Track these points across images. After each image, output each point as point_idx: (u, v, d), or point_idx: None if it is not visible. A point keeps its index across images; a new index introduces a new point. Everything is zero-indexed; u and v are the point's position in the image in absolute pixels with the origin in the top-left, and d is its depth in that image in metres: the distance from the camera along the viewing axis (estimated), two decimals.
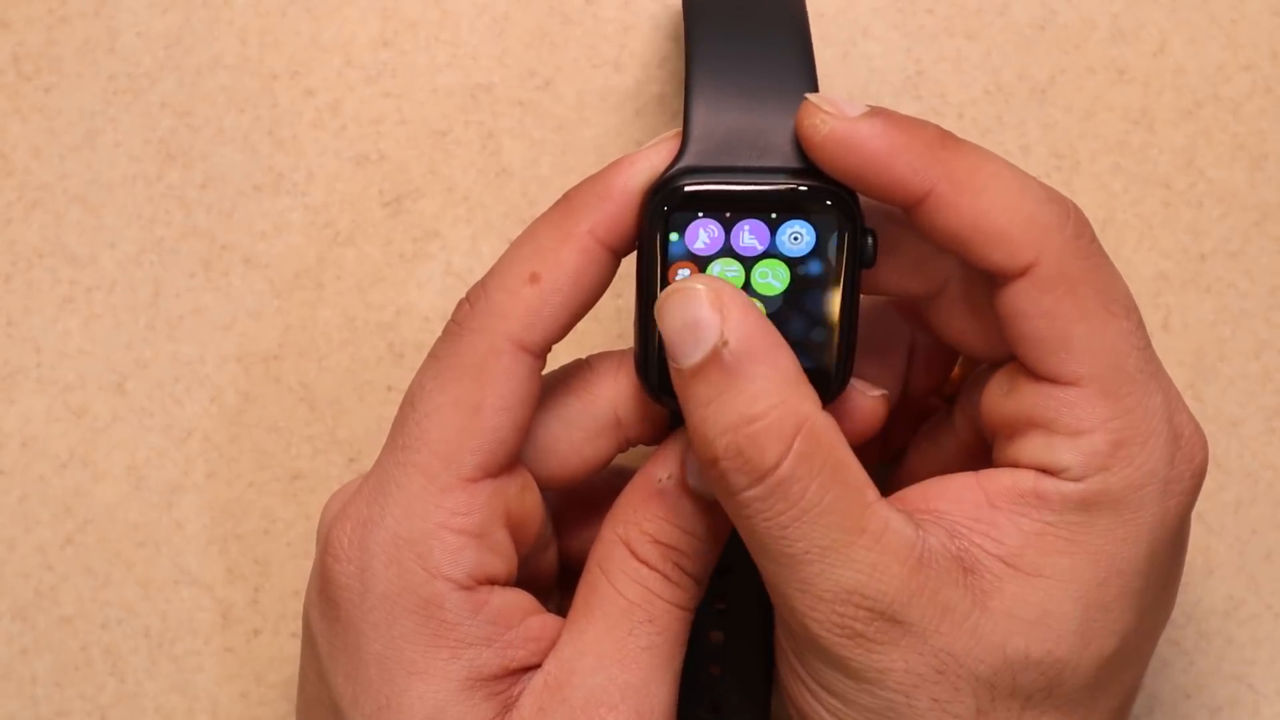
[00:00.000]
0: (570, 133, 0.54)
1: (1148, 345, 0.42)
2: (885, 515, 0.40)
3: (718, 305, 0.40)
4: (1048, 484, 0.41)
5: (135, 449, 0.54)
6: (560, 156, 0.54)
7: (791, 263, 0.41)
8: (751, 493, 0.40)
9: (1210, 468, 0.48)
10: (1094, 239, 0.41)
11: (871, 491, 0.41)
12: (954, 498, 0.42)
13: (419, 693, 0.41)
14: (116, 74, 0.54)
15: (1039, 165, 0.53)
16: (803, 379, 0.41)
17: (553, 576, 0.48)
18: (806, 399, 0.40)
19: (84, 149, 0.54)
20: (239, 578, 0.54)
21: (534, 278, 0.42)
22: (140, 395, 0.54)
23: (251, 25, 0.54)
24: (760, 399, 0.40)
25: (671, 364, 0.41)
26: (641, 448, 0.45)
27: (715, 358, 0.40)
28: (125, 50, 0.54)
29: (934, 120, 0.52)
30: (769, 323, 0.41)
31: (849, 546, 0.40)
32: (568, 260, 0.42)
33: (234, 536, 0.54)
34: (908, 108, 0.53)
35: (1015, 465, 0.43)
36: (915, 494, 0.43)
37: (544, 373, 0.43)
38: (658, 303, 0.41)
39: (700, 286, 0.41)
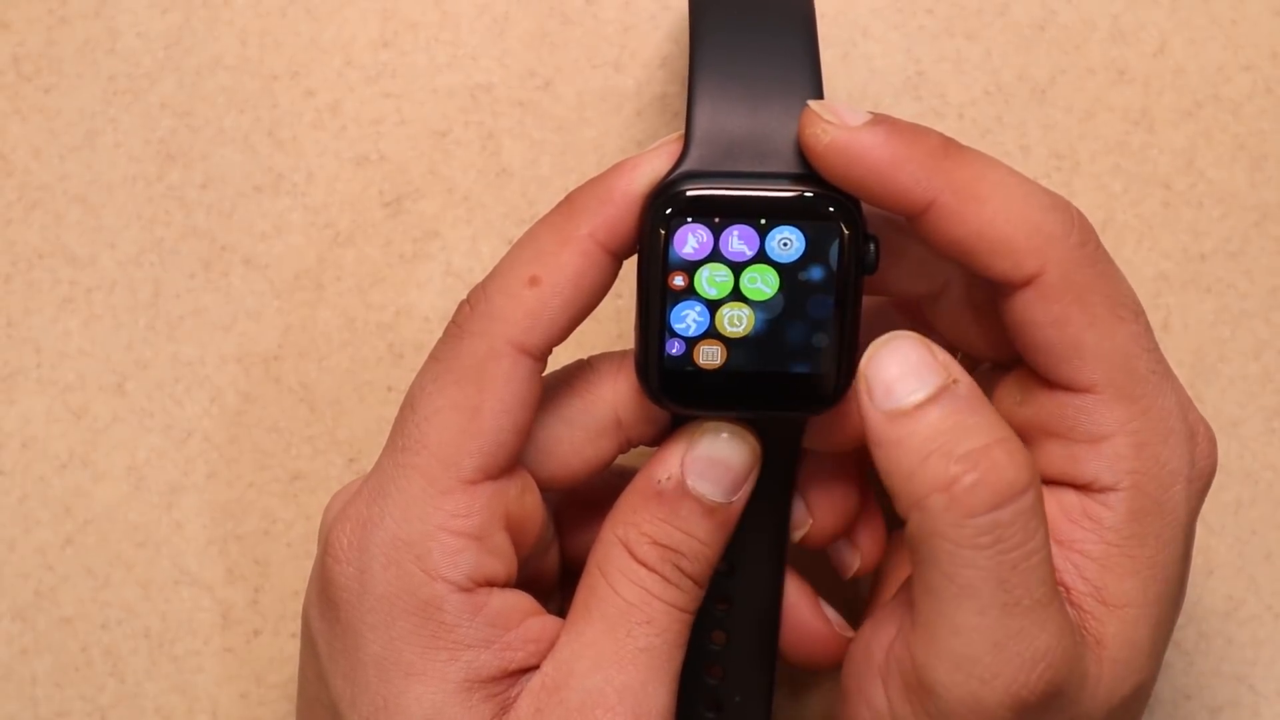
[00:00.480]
0: (570, 133, 0.54)
1: (1156, 346, 0.42)
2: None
3: (937, 353, 0.40)
4: (1091, 503, 0.42)
5: (135, 449, 0.54)
6: (560, 157, 0.54)
7: (793, 268, 0.41)
8: (995, 515, 0.38)
9: None
10: (1098, 245, 0.41)
11: None
12: None
13: (416, 694, 0.41)
14: (116, 74, 0.54)
15: (1039, 166, 0.53)
16: None
17: (555, 578, 0.48)
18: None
19: (84, 149, 0.54)
20: (239, 578, 0.54)
21: (534, 280, 0.42)
22: (140, 396, 0.54)
23: (251, 26, 0.54)
24: (1001, 427, 0.40)
25: (881, 407, 0.40)
26: (643, 449, 0.45)
27: (949, 390, 0.39)
28: (125, 50, 0.54)
29: (934, 121, 0.52)
30: None
31: (1050, 606, 0.39)
32: (568, 263, 0.42)
33: (234, 537, 0.54)
34: (908, 108, 0.53)
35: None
36: None
37: (545, 373, 0.43)
38: (869, 351, 0.40)
39: (914, 335, 0.40)
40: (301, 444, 0.54)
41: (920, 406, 0.39)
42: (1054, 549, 0.42)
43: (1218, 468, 0.52)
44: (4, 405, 0.54)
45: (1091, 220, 0.51)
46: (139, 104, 0.54)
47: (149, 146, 0.54)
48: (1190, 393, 0.52)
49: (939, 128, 0.51)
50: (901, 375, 0.40)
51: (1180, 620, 0.54)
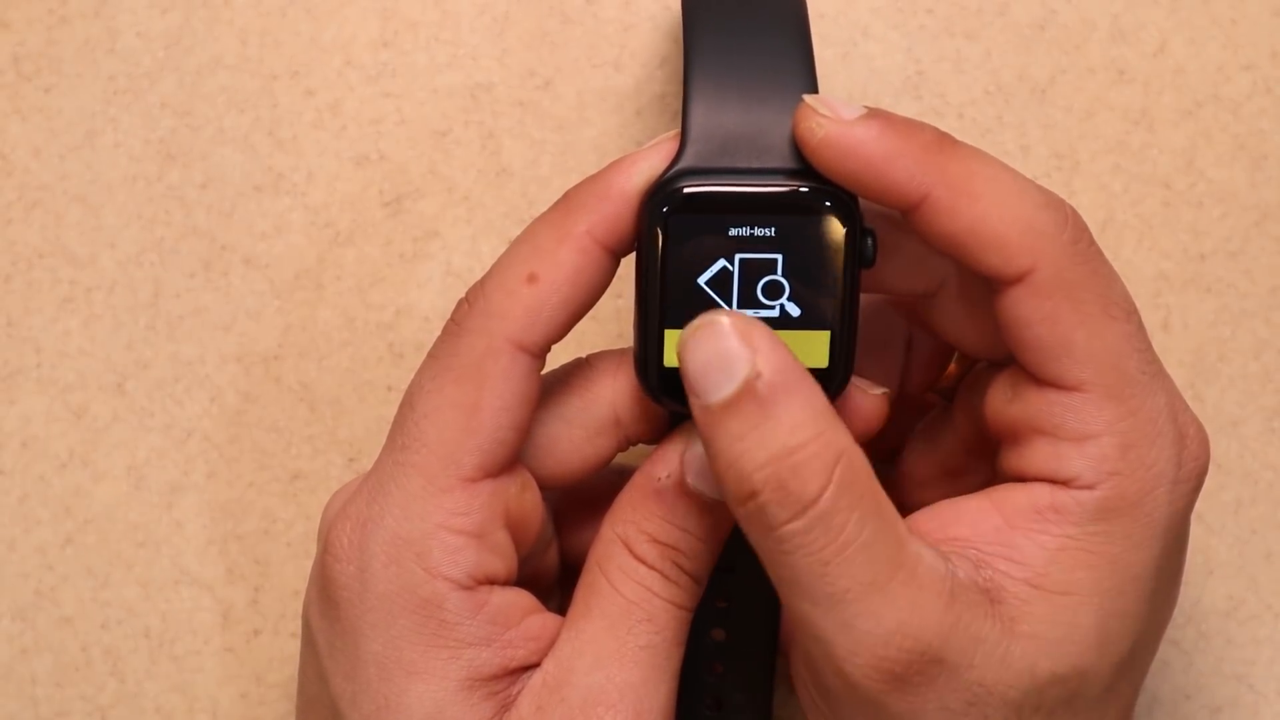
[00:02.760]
0: (570, 133, 0.54)
1: (1148, 346, 0.42)
2: (917, 550, 0.40)
3: (746, 338, 0.39)
4: (1063, 497, 0.41)
5: (135, 449, 0.54)
6: (560, 156, 0.54)
7: (790, 263, 0.41)
8: (792, 526, 0.39)
9: (1210, 468, 0.48)
10: (1092, 242, 0.41)
11: (903, 526, 0.40)
12: (970, 523, 0.42)
13: (418, 693, 0.41)
14: (116, 74, 0.54)
15: (1039, 165, 0.53)
16: (832, 410, 0.40)
17: (555, 576, 0.48)
18: (841, 430, 0.40)
19: (84, 149, 0.54)
20: (239, 578, 0.54)
21: (532, 278, 0.42)
22: (140, 395, 0.54)
23: (251, 25, 0.54)
24: (799, 430, 0.39)
25: (696, 401, 0.40)
26: (643, 447, 0.45)
27: (749, 390, 0.39)
28: (125, 50, 0.54)
29: (934, 120, 0.52)
30: (794, 356, 0.40)
31: (889, 582, 0.39)
32: (566, 260, 0.42)
33: (234, 536, 0.54)
34: (908, 108, 0.53)
35: (1022, 474, 0.43)
36: (930, 522, 0.42)
37: (544, 371, 0.43)
38: (680, 338, 0.40)
39: (725, 320, 0.39)
40: (301, 444, 0.54)
41: (724, 406, 0.39)
42: (1006, 532, 0.41)
43: (1220, 468, 0.52)
44: (4, 405, 0.54)
45: (1091, 220, 0.52)
46: (139, 104, 0.54)
47: (149, 146, 0.54)
48: (1190, 393, 0.52)
49: (939, 128, 0.51)
50: (706, 366, 0.39)
51: (1180, 620, 0.54)
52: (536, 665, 0.43)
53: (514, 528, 0.43)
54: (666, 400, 0.43)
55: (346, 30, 0.54)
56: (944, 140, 0.41)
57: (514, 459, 0.43)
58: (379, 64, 0.54)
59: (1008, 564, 0.41)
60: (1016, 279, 0.41)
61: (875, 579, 0.39)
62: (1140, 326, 0.42)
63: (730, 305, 0.42)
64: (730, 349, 0.39)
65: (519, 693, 0.42)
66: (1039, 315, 0.41)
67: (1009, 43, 0.54)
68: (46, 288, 0.54)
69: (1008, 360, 0.43)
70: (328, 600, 0.43)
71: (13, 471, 0.54)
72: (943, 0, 0.54)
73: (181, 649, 0.54)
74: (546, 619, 0.43)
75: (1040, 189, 0.41)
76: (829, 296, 0.41)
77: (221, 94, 0.54)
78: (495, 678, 0.42)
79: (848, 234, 0.41)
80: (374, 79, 0.54)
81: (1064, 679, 0.41)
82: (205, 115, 0.54)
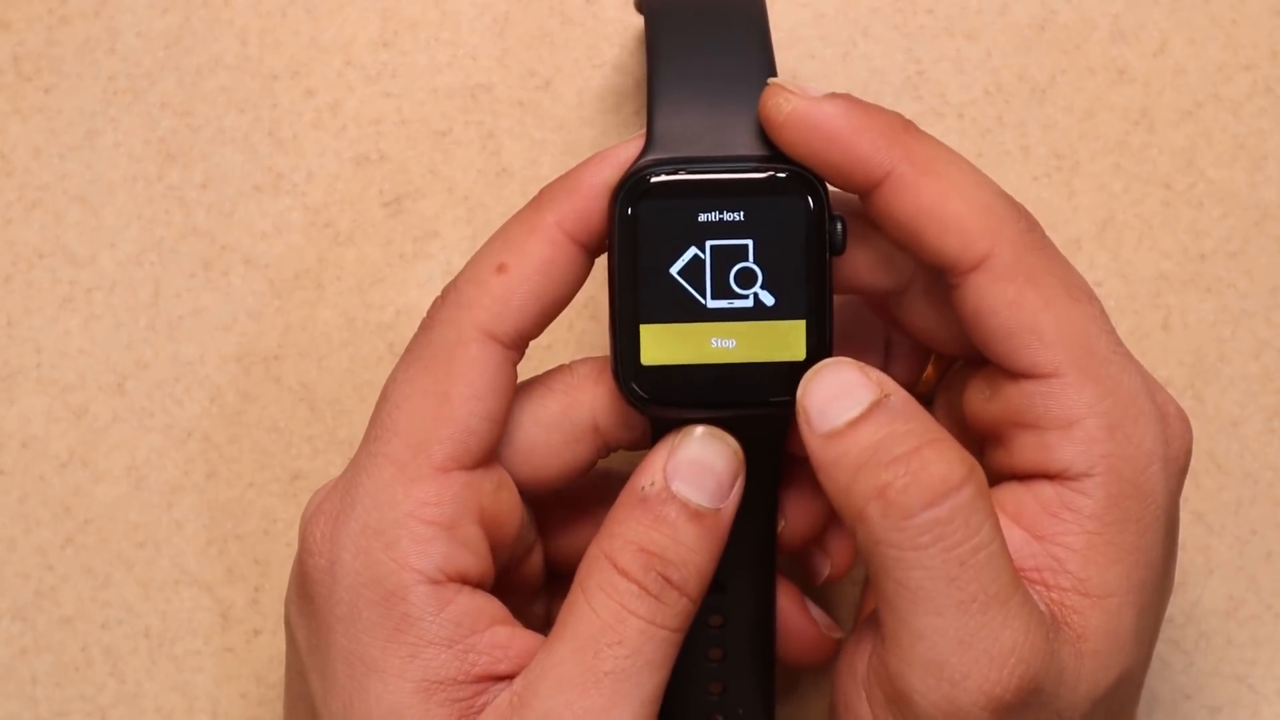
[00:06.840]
0: (570, 133, 0.54)
1: (1113, 330, 0.42)
2: (1024, 583, 0.40)
3: (870, 373, 0.41)
4: (1069, 493, 0.41)
5: (135, 449, 0.54)
6: (560, 156, 0.54)
7: (761, 250, 0.41)
8: (933, 513, 0.39)
9: (1210, 468, 0.48)
10: (1045, 234, 0.42)
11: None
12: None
13: (377, 693, 0.41)
14: (116, 74, 0.54)
15: (1039, 165, 0.53)
16: None
17: (538, 584, 0.47)
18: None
19: (84, 149, 0.54)
20: (239, 578, 0.54)
21: (501, 268, 0.42)
22: (140, 395, 0.54)
23: (251, 25, 0.54)
24: (936, 429, 0.40)
25: (818, 431, 0.41)
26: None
27: (881, 405, 0.40)
28: (125, 50, 0.54)
29: (934, 121, 0.53)
30: None
31: (1010, 600, 0.39)
32: (534, 251, 0.42)
33: (234, 536, 0.54)
34: (908, 108, 0.53)
35: (1012, 471, 0.43)
36: None
37: (526, 377, 0.43)
38: (803, 380, 0.41)
39: (845, 360, 0.41)
40: (301, 444, 0.54)
41: (853, 424, 0.40)
42: (1035, 545, 0.41)
43: (1220, 468, 0.52)
44: (4, 405, 0.54)
45: (1091, 220, 0.52)
46: (139, 104, 0.54)
47: (149, 146, 0.54)
48: (1190, 393, 0.52)
49: (939, 127, 0.51)
50: (835, 397, 0.41)
51: (1180, 620, 0.54)
52: (502, 676, 0.42)
53: (489, 525, 0.42)
54: (643, 400, 0.42)
55: (346, 30, 0.54)
56: (908, 123, 0.41)
57: (488, 452, 0.43)
58: (379, 64, 0.54)
59: (1054, 576, 0.41)
60: (975, 265, 0.41)
61: (999, 592, 0.39)
62: (1103, 310, 0.42)
63: (704, 295, 0.42)
64: (856, 379, 0.41)
65: (485, 705, 0.41)
66: (1002, 301, 0.41)
67: (1009, 43, 0.54)
68: (46, 288, 0.54)
69: (982, 357, 0.43)
70: (304, 596, 0.43)
71: (13, 471, 0.54)
72: (943, 0, 0.54)
73: (181, 649, 0.54)
74: (516, 631, 0.42)
75: (994, 182, 0.42)
76: (802, 284, 0.41)
77: (221, 94, 0.54)
78: (455, 682, 0.41)
79: (815, 214, 0.41)
80: (374, 79, 0.54)
81: (1113, 689, 0.41)
82: (205, 115, 0.54)
